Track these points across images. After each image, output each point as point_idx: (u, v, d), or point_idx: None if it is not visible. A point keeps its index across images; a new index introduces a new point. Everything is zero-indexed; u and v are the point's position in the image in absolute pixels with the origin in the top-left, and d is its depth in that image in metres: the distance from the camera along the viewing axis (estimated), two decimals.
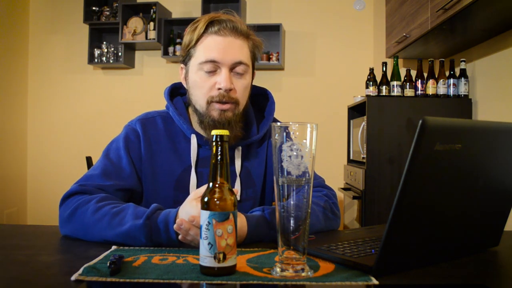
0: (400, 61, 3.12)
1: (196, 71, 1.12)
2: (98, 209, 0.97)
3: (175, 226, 0.86)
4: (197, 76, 1.12)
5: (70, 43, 3.92)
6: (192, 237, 0.86)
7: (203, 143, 1.16)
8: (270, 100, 1.28)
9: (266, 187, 1.25)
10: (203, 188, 0.85)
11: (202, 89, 1.11)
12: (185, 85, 1.19)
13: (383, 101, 2.55)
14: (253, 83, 1.25)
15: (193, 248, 0.88)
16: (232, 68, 1.11)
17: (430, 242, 0.79)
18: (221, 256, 0.72)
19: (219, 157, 0.76)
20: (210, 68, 1.10)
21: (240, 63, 1.11)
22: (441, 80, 2.56)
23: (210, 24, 1.11)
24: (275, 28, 3.53)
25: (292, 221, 0.73)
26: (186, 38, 1.14)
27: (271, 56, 3.54)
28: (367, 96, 2.68)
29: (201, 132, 1.16)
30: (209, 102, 1.11)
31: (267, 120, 1.25)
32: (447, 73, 2.58)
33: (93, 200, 1.00)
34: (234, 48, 1.10)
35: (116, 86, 3.87)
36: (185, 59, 1.16)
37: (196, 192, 0.91)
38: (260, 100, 1.30)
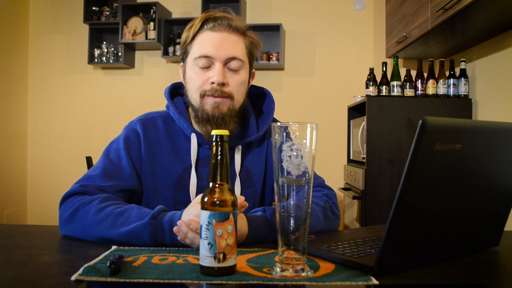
0: (400, 61, 3.12)
1: (191, 66, 1.13)
2: (101, 210, 0.97)
3: (175, 228, 0.86)
4: (192, 71, 1.13)
5: (70, 43, 3.92)
6: (191, 240, 0.86)
7: (203, 142, 1.16)
8: (269, 99, 1.28)
9: (266, 187, 1.24)
10: None
11: (195, 83, 1.12)
12: (184, 83, 1.20)
13: (383, 101, 2.55)
14: (253, 83, 1.25)
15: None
16: (226, 63, 1.11)
17: (430, 242, 0.79)
18: (221, 256, 0.72)
19: (219, 157, 0.76)
20: (205, 63, 1.11)
21: (234, 58, 1.11)
22: (441, 80, 2.56)
23: (205, 21, 1.13)
24: (275, 28, 3.52)
25: (292, 221, 0.73)
26: (183, 36, 1.16)
27: (271, 56, 3.54)
28: (367, 96, 2.68)
29: (200, 129, 1.16)
30: (202, 96, 1.11)
31: (267, 118, 1.25)
32: (447, 73, 2.58)
33: (95, 200, 1.00)
34: (228, 44, 1.11)
35: (116, 86, 3.87)
36: (183, 56, 1.18)
37: (201, 196, 0.90)
38: (259, 99, 1.30)
